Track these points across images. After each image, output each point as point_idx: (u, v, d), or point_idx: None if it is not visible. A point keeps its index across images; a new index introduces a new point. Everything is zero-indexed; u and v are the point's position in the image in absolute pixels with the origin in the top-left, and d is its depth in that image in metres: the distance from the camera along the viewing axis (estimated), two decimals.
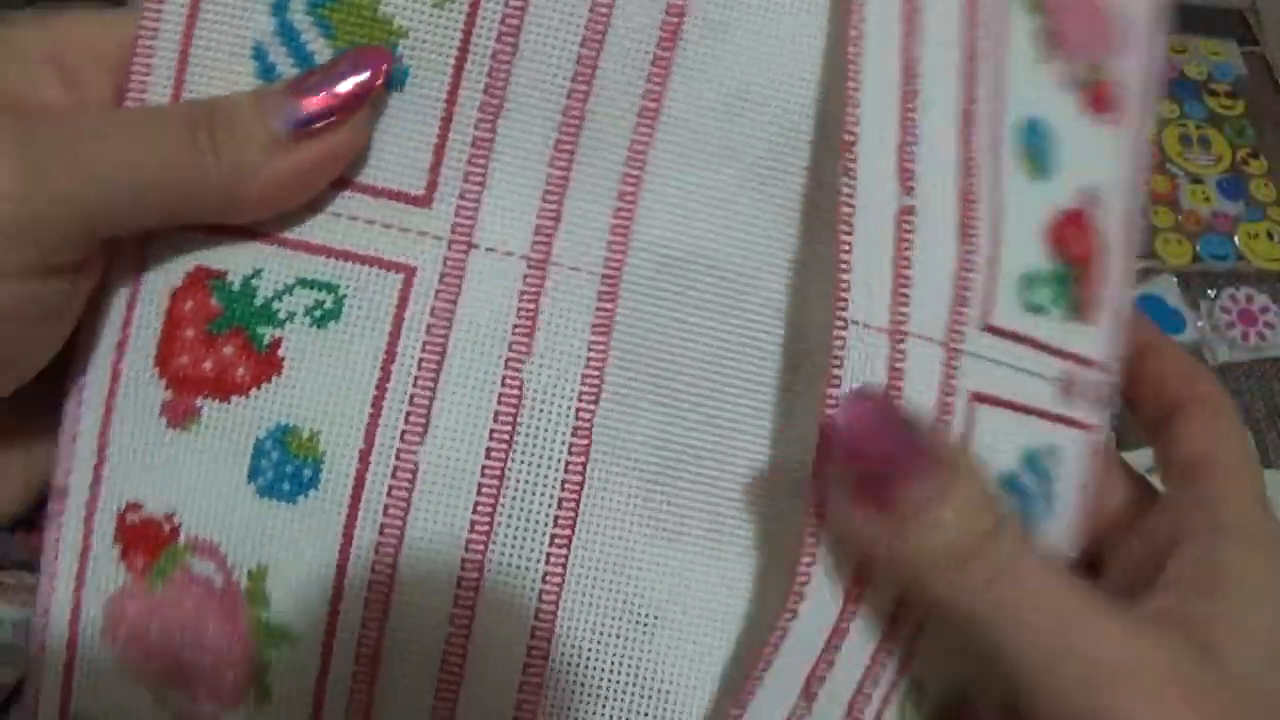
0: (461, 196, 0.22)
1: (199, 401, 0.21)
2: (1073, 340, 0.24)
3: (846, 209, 0.20)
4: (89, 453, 0.21)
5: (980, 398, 0.23)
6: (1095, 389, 0.25)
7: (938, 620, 0.22)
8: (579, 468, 0.22)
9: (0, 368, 0.20)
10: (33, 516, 0.23)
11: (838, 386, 0.20)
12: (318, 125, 0.20)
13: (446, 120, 0.21)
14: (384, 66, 0.21)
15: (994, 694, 0.22)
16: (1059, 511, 0.24)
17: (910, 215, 0.21)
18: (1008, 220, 0.23)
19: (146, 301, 0.22)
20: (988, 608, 0.19)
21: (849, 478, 0.20)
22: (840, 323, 0.20)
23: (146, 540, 0.21)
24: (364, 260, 0.21)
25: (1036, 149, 0.24)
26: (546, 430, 0.22)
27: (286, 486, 0.21)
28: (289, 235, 0.22)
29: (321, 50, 0.21)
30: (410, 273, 0.22)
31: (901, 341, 0.21)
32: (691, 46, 0.22)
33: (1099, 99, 0.24)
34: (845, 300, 0.20)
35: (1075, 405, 0.25)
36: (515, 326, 0.22)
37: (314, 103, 0.20)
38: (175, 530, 0.21)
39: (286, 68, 0.21)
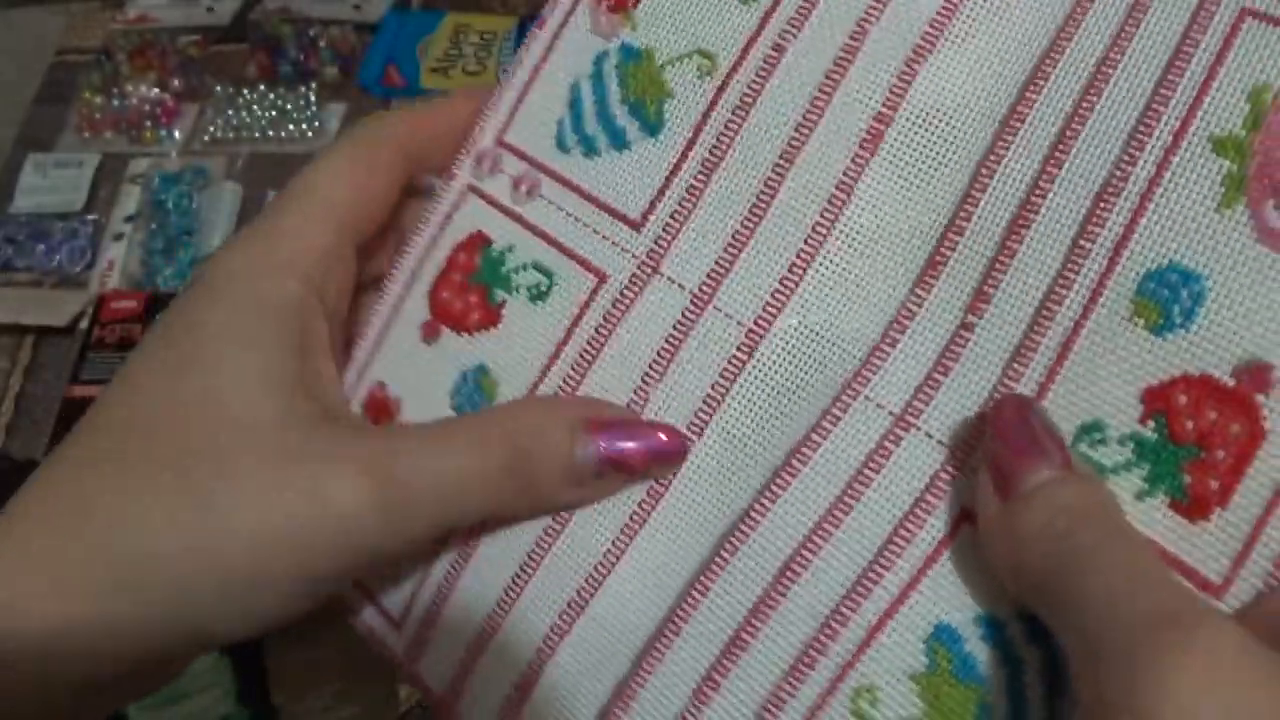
0: (664, 228, 0.26)
1: (443, 328, 0.28)
2: (1164, 531, 0.21)
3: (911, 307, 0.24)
4: (372, 341, 0.29)
5: (970, 519, 0.22)
6: None
7: (907, 621, 0.22)
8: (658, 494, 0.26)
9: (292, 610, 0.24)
10: None
11: (814, 449, 0.23)
12: (614, 471, 0.24)
13: (676, 166, 0.26)
14: (685, 446, 0.25)
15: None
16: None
17: (967, 331, 0.23)
18: (1094, 366, 0.22)
19: (440, 247, 0.28)
20: (1081, 569, 0.19)
21: (991, 459, 0.21)
22: (852, 392, 0.23)
23: (380, 410, 0.28)
24: (571, 256, 0.27)
25: (1166, 299, 0.21)
26: None
27: (469, 408, 0.27)
28: (536, 223, 0.27)
29: (614, 94, 0.27)
30: (603, 279, 0.26)
31: (904, 431, 0.23)
32: (891, 144, 0.25)
33: None
34: (866, 378, 0.23)
35: None
36: (660, 350, 0.25)
37: (620, 455, 0.24)
38: (397, 410, 0.28)
39: (589, 104, 0.27)
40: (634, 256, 0.26)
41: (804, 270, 0.25)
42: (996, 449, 0.21)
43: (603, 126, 0.27)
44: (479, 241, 0.28)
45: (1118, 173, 0.22)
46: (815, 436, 0.24)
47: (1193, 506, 0.20)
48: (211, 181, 0.79)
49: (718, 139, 0.26)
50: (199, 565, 0.21)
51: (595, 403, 0.25)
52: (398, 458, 0.23)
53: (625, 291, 0.26)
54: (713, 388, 0.25)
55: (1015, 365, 0.22)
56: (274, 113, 0.82)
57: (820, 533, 0.23)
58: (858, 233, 0.25)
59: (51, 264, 0.76)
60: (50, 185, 0.80)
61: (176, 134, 0.82)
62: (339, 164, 0.26)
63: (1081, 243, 0.22)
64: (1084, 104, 0.22)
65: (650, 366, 0.26)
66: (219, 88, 0.84)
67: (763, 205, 0.25)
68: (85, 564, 0.21)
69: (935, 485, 0.22)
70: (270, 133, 0.81)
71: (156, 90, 0.84)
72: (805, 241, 0.25)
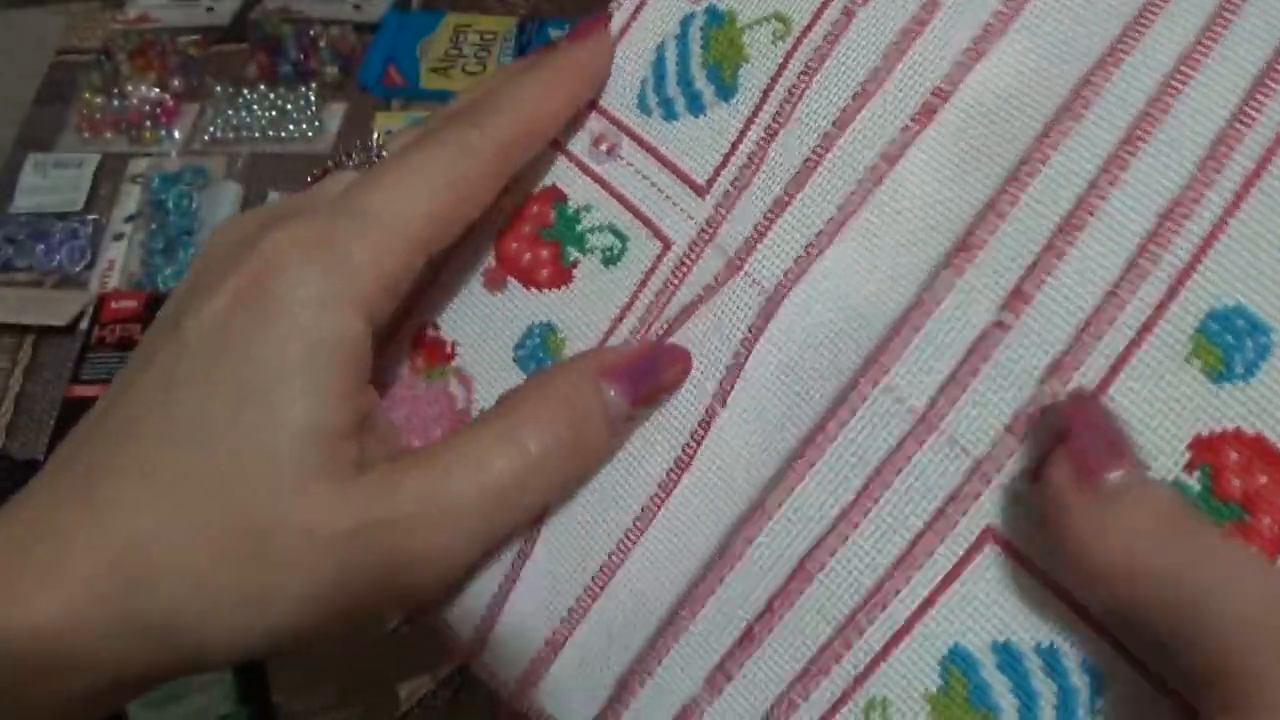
0: (724, 195, 0.25)
1: (509, 278, 0.27)
2: None
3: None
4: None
5: (996, 538, 0.21)
6: None
7: (930, 630, 0.22)
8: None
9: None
10: None
11: (830, 440, 0.23)
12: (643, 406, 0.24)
13: (742, 132, 0.25)
14: (684, 364, 0.25)
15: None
16: None
17: (1002, 330, 0.21)
18: (1141, 401, 0.20)
19: (512, 194, 0.27)
20: (1201, 572, 0.18)
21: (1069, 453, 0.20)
22: (871, 379, 0.22)
23: (430, 352, 0.27)
24: (644, 221, 0.26)
25: (1229, 346, 0.20)
26: (686, 397, 0.25)
27: (534, 366, 0.27)
28: (614, 184, 0.27)
29: (695, 57, 0.26)
30: (667, 246, 0.26)
31: (927, 434, 0.22)
32: (945, 120, 0.23)
33: None
34: (887, 365, 0.22)
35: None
36: (695, 317, 0.25)
37: (647, 392, 0.24)
38: (451, 355, 0.27)
39: (672, 66, 0.26)
40: (696, 223, 0.26)
41: (832, 238, 0.24)
42: (1084, 441, 0.19)
43: (683, 89, 0.26)
44: (554, 196, 0.27)
45: (1191, 191, 0.20)
46: (832, 426, 0.23)
47: None
48: (211, 181, 0.79)
49: (780, 105, 0.25)
50: (216, 580, 0.21)
51: (601, 353, 0.25)
52: (437, 490, 0.22)
53: (685, 259, 0.26)
54: (734, 356, 0.24)
55: (1053, 381, 0.21)
56: (274, 113, 0.82)
57: (837, 534, 0.22)
58: (895, 204, 0.24)
59: (51, 264, 0.76)
60: (50, 185, 0.80)
61: (176, 134, 0.82)
62: (430, 181, 0.23)
63: (1141, 261, 0.20)
64: (1158, 103, 0.21)
65: (690, 334, 0.25)
66: (219, 88, 0.84)
67: (808, 170, 0.24)
68: (93, 567, 0.20)
69: (957, 498, 0.21)
70: (270, 133, 0.81)
71: (156, 90, 0.84)
72: (839, 209, 0.24)
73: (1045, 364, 0.21)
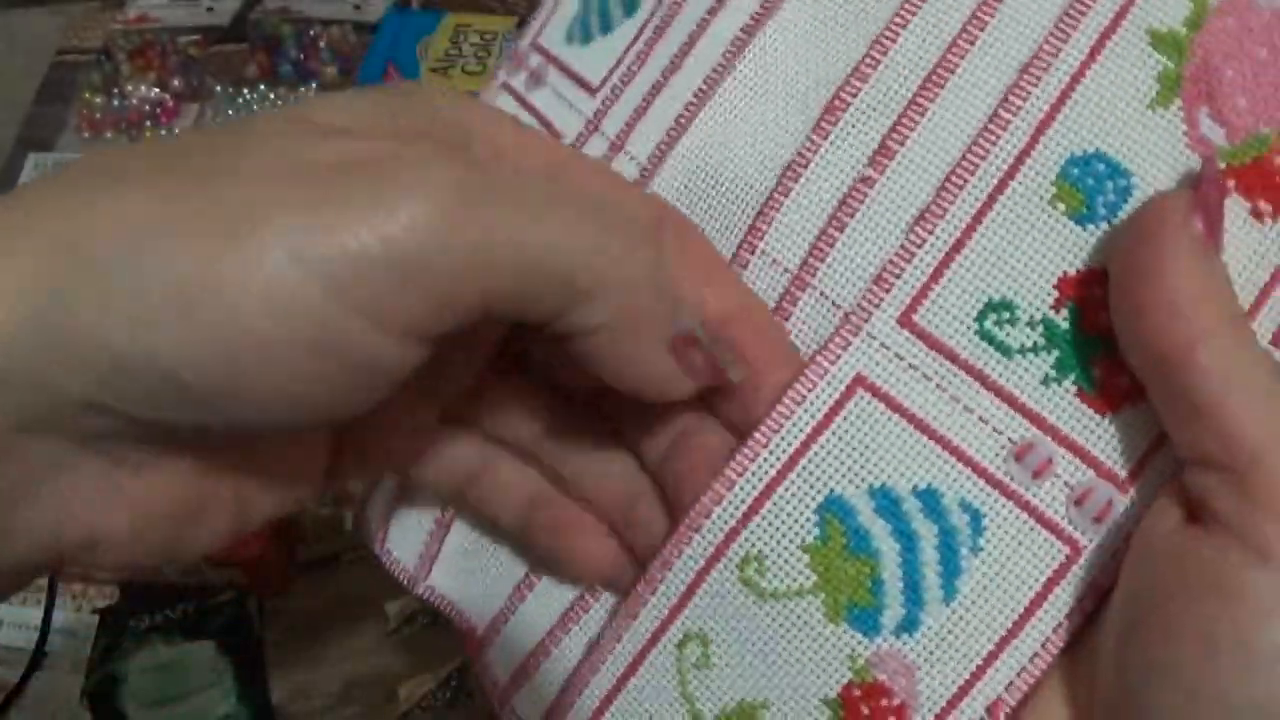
0: (611, 90, 0.26)
1: None
2: (1069, 419, 0.20)
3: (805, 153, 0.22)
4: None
5: (867, 385, 0.21)
6: (1104, 503, 0.20)
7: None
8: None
9: (299, 409, 0.18)
10: None
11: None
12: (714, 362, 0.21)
13: (637, 35, 0.27)
14: None
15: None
16: (964, 600, 0.21)
17: (866, 186, 0.22)
18: (1007, 243, 0.21)
19: None
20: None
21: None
22: (749, 247, 0.23)
23: None
24: (545, 124, 0.28)
25: (1090, 189, 0.20)
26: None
27: None
28: (536, 105, 0.28)
29: None
30: (557, 138, 0.27)
31: (800, 290, 0.22)
32: None
33: (1255, 181, 0.20)
34: (761, 230, 0.23)
35: (1043, 491, 0.21)
36: None
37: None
38: None
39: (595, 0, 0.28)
40: (584, 116, 0.27)
41: (697, 110, 0.24)
42: (1212, 197, 0.19)
43: (599, 15, 0.28)
44: None
45: (1047, 47, 0.21)
46: None
47: (1102, 398, 0.20)
48: None
49: (669, 5, 0.26)
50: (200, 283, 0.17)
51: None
52: (493, 181, 0.18)
53: (572, 146, 0.27)
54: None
55: (919, 229, 0.21)
56: None
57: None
58: (759, 73, 0.24)
59: None
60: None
61: (176, 134, 0.82)
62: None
63: (1001, 113, 0.21)
64: None
65: None
66: (219, 88, 0.84)
67: (682, 54, 0.25)
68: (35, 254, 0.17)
69: (828, 349, 0.22)
70: None
71: (156, 90, 0.84)
72: (704, 81, 0.24)
73: (911, 212, 0.21)
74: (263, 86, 0.83)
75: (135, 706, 0.52)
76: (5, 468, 0.18)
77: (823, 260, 0.22)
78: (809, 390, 0.22)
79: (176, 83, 0.84)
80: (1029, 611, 0.21)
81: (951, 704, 0.21)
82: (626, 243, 0.19)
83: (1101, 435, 0.20)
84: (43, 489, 0.19)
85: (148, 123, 0.82)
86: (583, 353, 0.20)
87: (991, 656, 0.21)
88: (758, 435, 0.22)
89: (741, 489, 0.22)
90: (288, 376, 0.18)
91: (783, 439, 0.22)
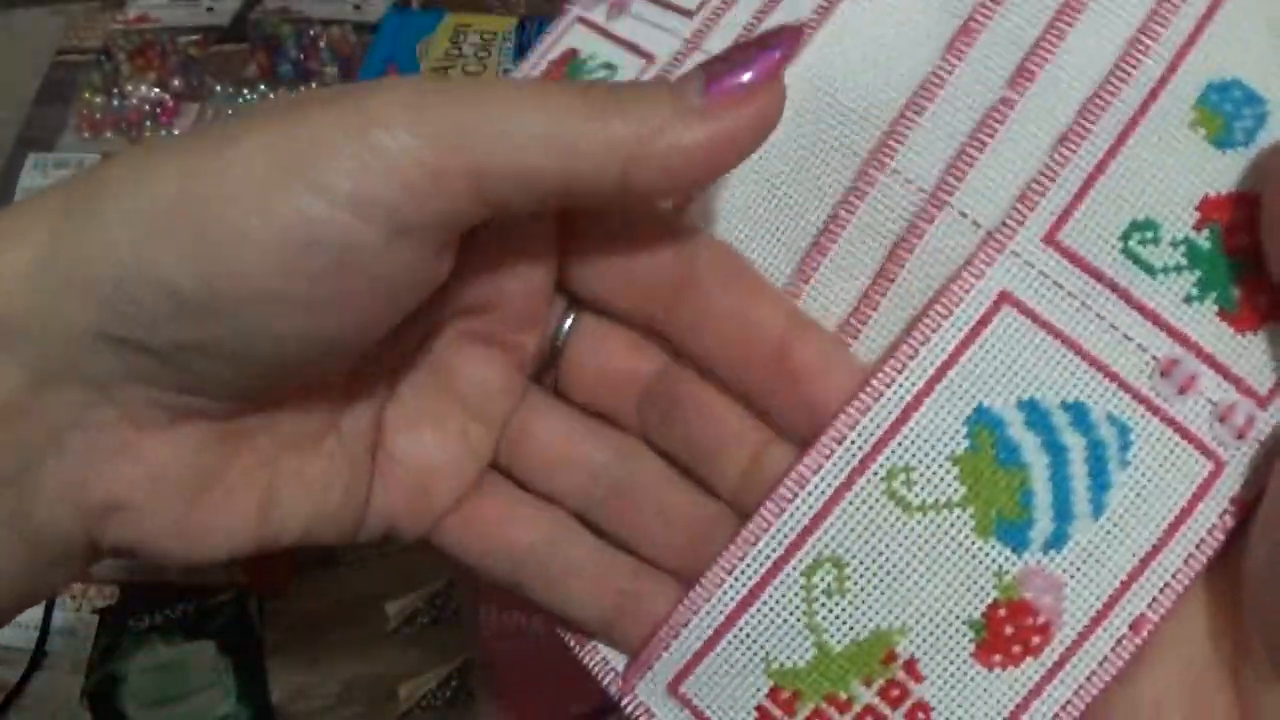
0: (713, 12, 0.26)
1: None
2: (1211, 337, 0.21)
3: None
4: None
5: (1013, 301, 0.21)
6: (1245, 419, 0.21)
7: None
8: None
9: (302, 322, 0.19)
10: None
11: (844, 225, 0.22)
12: (732, 96, 0.19)
13: None
14: (797, 42, 0.20)
15: None
16: (1112, 515, 0.21)
17: (1007, 108, 0.22)
18: (1150, 164, 0.21)
19: (540, 67, 0.29)
20: None
21: None
22: (877, 164, 0.23)
23: None
24: (633, 48, 0.27)
25: (1229, 114, 0.21)
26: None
27: None
28: (618, 33, 0.28)
29: None
30: (651, 60, 0.28)
31: (937, 209, 0.22)
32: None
33: None
34: (893, 148, 0.22)
35: (1188, 408, 0.21)
36: None
37: (728, 78, 0.19)
38: None
39: None
40: (680, 38, 0.27)
41: (814, 31, 0.24)
42: None
43: None
44: (569, 56, 0.29)
45: None
46: (844, 212, 0.23)
47: (1242, 317, 0.21)
48: None
49: None
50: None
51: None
52: (445, 90, 0.19)
53: (668, 67, 0.27)
54: None
55: (1062, 149, 0.21)
56: None
57: (858, 315, 0.23)
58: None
59: None
60: (51, 184, 0.80)
61: (177, 134, 0.82)
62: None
63: (1141, 38, 0.21)
64: None
65: None
66: (219, 88, 0.84)
67: None
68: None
69: (973, 265, 0.22)
70: None
71: (156, 90, 0.84)
72: (820, 3, 0.24)
73: (1052, 133, 0.21)
74: (263, 86, 0.83)
75: (135, 706, 0.52)
76: (28, 424, 0.19)
77: (962, 179, 0.22)
78: (955, 305, 0.22)
79: (176, 83, 0.84)
80: (1174, 527, 0.21)
81: (1096, 621, 0.21)
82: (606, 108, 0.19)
83: (1241, 353, 0.21)
84: (64, 444, 0.19)
85: (148, 123, 0.82)
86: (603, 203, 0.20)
87: (1136, 572, 0.21)
88: (904, 348, 0.22)
89: (888, 400, 0.21)
90: (282, 276, 0.18)
91: (930, 351, 0.22)
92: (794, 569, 0.22)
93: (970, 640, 0.21)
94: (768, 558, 0.22)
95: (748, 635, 0.22)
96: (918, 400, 0.21)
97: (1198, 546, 0.21)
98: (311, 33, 0.85)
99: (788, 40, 0.20)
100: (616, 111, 0.19)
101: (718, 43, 0.26)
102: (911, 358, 0.22)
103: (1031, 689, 0.21)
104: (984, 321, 0.21)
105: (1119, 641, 0.21)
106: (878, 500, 0.21)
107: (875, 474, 0.21)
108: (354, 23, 0.87)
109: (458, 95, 0.18)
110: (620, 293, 0.23)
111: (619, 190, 0.19)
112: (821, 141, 0.23)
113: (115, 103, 0.83)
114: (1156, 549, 0.21)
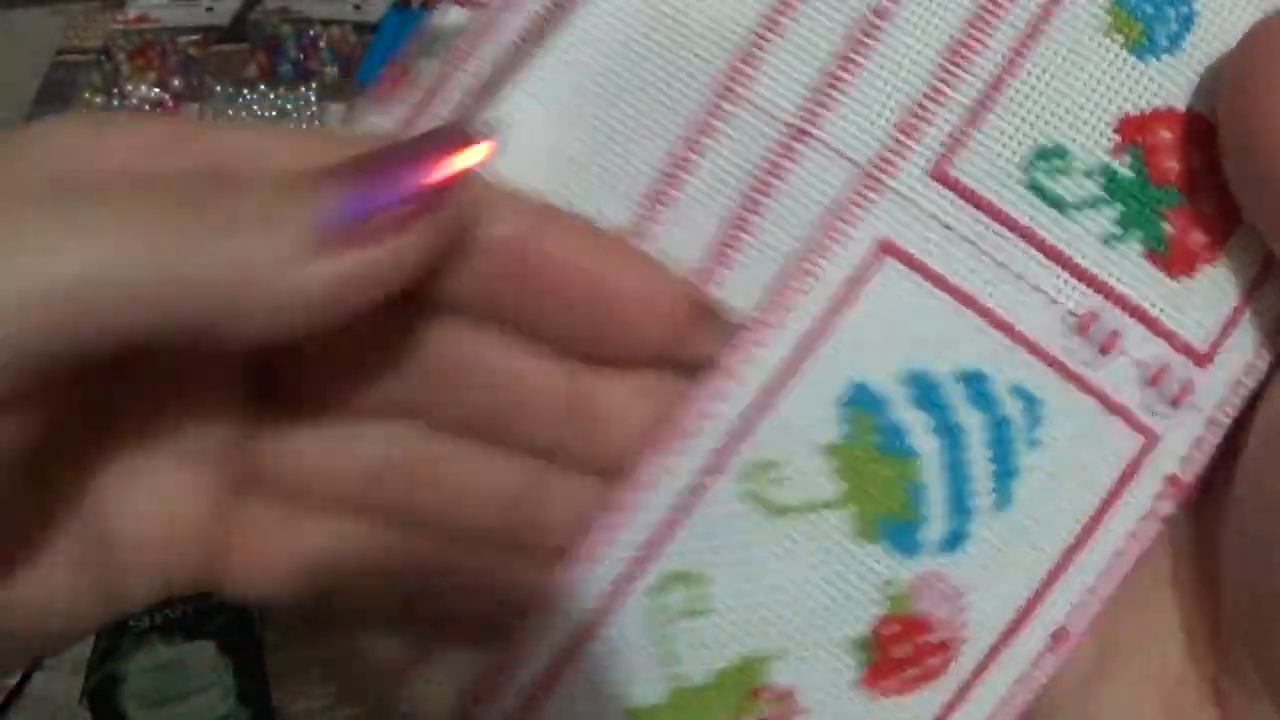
0: None
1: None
2: (1137, 284, 0.18)
3: None
4: None
5: (895, 251, 0.18)
6: (1182, 382, 0.17)
7: None
8: None
9: None
10: None
11: (689, 171, 0.18)
12: (378, 224, 0.15)
13: None
14: (474, 164, 0.16)
15: None
16: (1021, 506, 0.18)
17: (881, 19, 0.18)
18: (1057, 80, 0.18)
19: None
20: None
21: None
22: (732, 96, 0.18)
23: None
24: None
25: (1149, 16, 0.17)
26: None
27: None
28: None
29: None
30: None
31: (800, 140, 0.18)
32: None
33: None
34: (748, 75, 0.18)
35: (1111, 371, 0.18)
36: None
37: (379, 195, 0.15)
38: None
39: None
40: None
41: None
42: None
43: None
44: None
45: None
46: (691, 153, 0.18)
47: (1173, 259, 0.17)
48: None
49: None
50: None
51: (313, 134, 0.17)
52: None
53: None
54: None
55: (951, 65, 0.18)
56: (274, 113, 0.82)
57: (711, 275, 0.18)
58: None
59: None
60: None
61: None
62: None
63: None
64: None
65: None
66: (219, 88, 0.84)
67: None
68: None
69: (846, 210, 0.18)
70: None
71: (156, 90, 0.84)
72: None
73: (937, 49, 0.18)
74: (263, 86, 0.83)
75: (135, 706, 0.52)
76: None
77: (829, 108, 0.18)
78: (824, 259, 0.18)
79: (176, 83, 0.84)
80: (1098, 517, 0.18)
81: (1007, 635, 0.18)
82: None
83: (1174, 303, 0.17)
84: None
85: None
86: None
87: (1054, 574, 0.18)
88: (765, 318, 0.18)
89: (747, 382, 0.18)
90: None
91: (796, 319, 0.18)
92: (641, 588, 0.18)
93: (856, 664, 0.18)
94: (606, 578, 0.18)
95: (591, 670, 0.18)
96: (782, 380, 0.18)
97: (1128, 540, 0.18)
98: (311, 33, 0.85)
99: (463, 151, 0.16)
100: (220, 235, 0.14)
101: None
102: (773, 326, 0.18)
103: None
104: (860, 278, 0.18)
105: (1037, 659, 0.18)
106: (736, 503, 0.18)
107: (732, 470, 0.18)
108: (354, 23, 0.87)
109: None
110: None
111: (212, 334, 0.15)
112: (669, 75, 0.19)
113: (115, 103, 0.83)
114: (1077, 545, 0.18)
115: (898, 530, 0.18)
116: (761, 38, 0.18)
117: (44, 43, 0.90)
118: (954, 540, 0.18)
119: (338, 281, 0.15)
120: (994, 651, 0.18)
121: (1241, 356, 0.17)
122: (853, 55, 0.18)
